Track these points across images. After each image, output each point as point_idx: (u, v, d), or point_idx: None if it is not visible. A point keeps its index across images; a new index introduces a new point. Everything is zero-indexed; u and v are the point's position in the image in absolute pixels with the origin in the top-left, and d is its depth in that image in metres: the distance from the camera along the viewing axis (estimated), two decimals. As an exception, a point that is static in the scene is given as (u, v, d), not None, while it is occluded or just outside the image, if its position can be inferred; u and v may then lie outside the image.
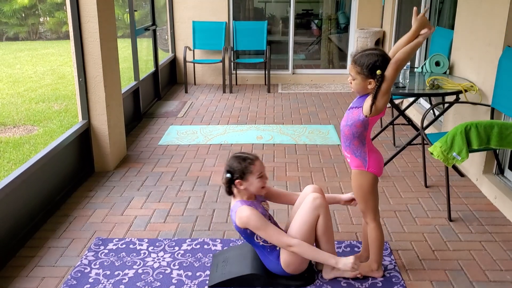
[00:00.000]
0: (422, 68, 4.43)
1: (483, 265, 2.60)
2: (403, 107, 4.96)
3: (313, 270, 2.52)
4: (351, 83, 2.27)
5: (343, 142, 2.35)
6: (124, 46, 8.51)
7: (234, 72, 7.15)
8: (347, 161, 2.40)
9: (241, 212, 2.28)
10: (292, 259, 2.34)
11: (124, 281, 2.45)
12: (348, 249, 2.75)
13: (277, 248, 2.37)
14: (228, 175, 2.31)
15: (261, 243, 2.36)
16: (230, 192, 2.37)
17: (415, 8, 2.22)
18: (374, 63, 2.15)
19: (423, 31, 2.18)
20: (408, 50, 2.14)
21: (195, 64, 7.10)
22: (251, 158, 2.33)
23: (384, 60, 2.17)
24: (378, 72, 2.14)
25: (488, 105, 3.42)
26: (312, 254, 2.32)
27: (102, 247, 2.75)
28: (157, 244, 2.79)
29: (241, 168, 2.29)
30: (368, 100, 2.20)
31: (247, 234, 2.34)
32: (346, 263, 2.27)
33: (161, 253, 2.70)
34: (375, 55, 2.17)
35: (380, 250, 2.45)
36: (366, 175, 2.32)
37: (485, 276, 2.51)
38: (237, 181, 2.30)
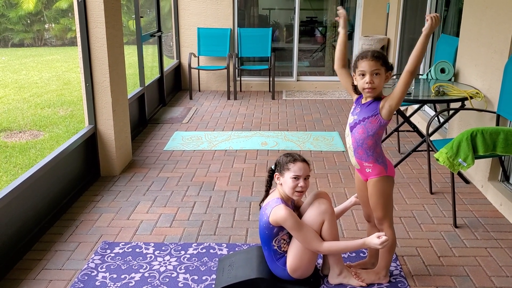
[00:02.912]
0: (427, 75, 4.44)
1: (489, 271, 2.60)
2: (408, 114, 4.97)
3: (318, 275, 2.53)
4: (372, 82, 2.17)
5: (363, 154, 2.29)
6: (129, 53, 8.57)
7: (239, 78, 7.18)
8: (364, 172, 2.33)
9: (279, 210, 2.26)
10: (298, 264, 2.34)
11: (130, 284, 2.46)
12: (354, 254, 2.75)
13: (286, 255, 2.38)
14: (273, 166, 2.38)
15: (275, 248, 2.36)
16: (269, 184, 2.39)
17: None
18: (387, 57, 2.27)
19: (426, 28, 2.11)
20: (421, 52, 2.12)
21: (200, 71, 7.14)
22: (295, 157, 2.33)
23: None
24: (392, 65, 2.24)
25: (494, 112, 3.43)
26: (342, 251, 2.39)
27: (108, 251, 2.76)
28: (163, 248, 2.80)
29: (282, 162, 2.33)
30: (385, 103, 2.20)
31: (271, 234, 2.32)
32: (373, 242, 2.21)
33: (167, 257, 2.70)
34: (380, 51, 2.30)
35: (391, 257, 2.45)
36: (387, 179, 2.31)
37: (491, 282, 2.51)
38: (276, 174, 2.34)
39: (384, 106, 2.21)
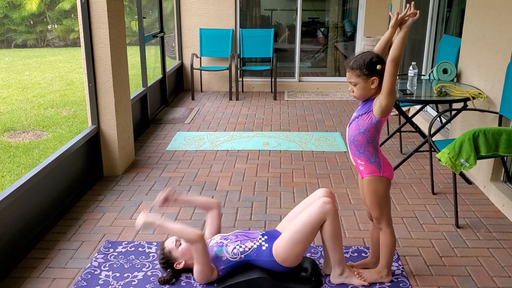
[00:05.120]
0: (429, 75, 4.45)
1: (491, 271, 2.60)
2: (410, 114, 4.97)
3: (320, 274, 2.53)
4: (352, 91, 2.25)
5: (356, 151, 2.32)
6: (131, 54, 8.60)
7: (241, 79, 7.19)
8: (359, 169, 2.38)
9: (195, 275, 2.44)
10: (284, 253, 2.36)
11: (133, 283, 2.47)
12: (356, 254, 2.76)
13: (263, 248, 2.41)
14: (169, 270, 2.51)
15: (237, 259, 2.44)
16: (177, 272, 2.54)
17: (397, 12, 2.18)
18: (371, 60, 2.17)
19: (405, 24, 2.13)
20: (399, 44, 2.07)
21: (202, 71, 7.16)
22: (159, 249, 2.57)
23: (378, 56, 2.20)
24: (379, 67, 2.15)
25: (496, 112, 3.43)
26: (176, 233, 2.43)
27: (111, 250, 2.78)
28: (165, 247, 2.81)
29: (164, 258, 2.50)
30: (377, 100, 2.20)
31: (222, 266, 2.44)
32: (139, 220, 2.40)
33: (170, 256, 2.72)
34: (368, 53, 2.21)
35: (391, 256, 2.45)
36: (381, 180, 2.32)
37: (493, 282, 2.51)
38: (175, 265, 2.49)
39: (375, 103, 2.21)
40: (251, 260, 2.42)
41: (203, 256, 2.35)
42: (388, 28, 2.24)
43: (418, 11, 2.17)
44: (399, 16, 2.15)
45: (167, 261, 2.49)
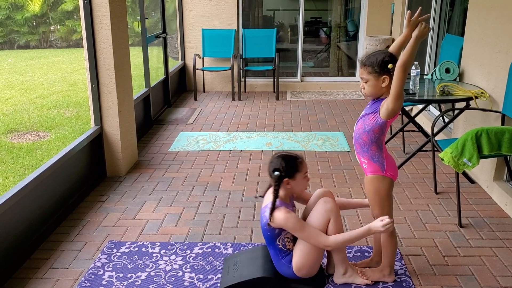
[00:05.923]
0: (432, 75, 4.44)
1: (494, 270, 2.60)
2: (413, 114, 4.97)
3: (323, 274, 2.54)
4: (363, 88, 2.28)
5: (360, 149, 2.34)
6: (134, 54, 8.61)
7: (243, 79, 7.20)
8: (362, 167, 2.38)
9: (279, 213, 2.28)
10: (304, 263, 2.35)
11: (137, 283, 2.48)
12: (359, 254, 2.76)
13: (291, 253, 2.39)
14: (277, 173, 2.28)
15: (280, 246, 2.37)
16: (277, 192, 2.30)
17: (408, 12, 2.18)
18: (383, 59, 2.20)
19: (415, 32, 2.16)
20: (409, 50, 2.10)
21: (205, 72, 7.16)
22: (300, 157, 2.35)
23: (391, 55, 2.22)
24: (390, 65, 2.17)
25: (499, 112, 3.43)
26: (349, 241, 2.30)
27: (114, 250, 2.79)
28: (169, 247, 2.82)
29: (291, 166, 2.30)
30: (385, 102, 2.21)
31: (273, 234, 2.34)
32: (377, 226, 2.22)
33: (173, 256, 2.72)
34: (381, 52, 2.24)
35: (393, 255, 2.46)
36: (383, 179, 2.32)
37: (496, 281, 2.51)
38: (285, 179, 2.30)
39: (383, 105, 2.23)
40: (276, 260, 2.40)
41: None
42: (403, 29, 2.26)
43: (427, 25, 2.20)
44: (412, 18, 2.17)
45: (290, 168, 2.29)
